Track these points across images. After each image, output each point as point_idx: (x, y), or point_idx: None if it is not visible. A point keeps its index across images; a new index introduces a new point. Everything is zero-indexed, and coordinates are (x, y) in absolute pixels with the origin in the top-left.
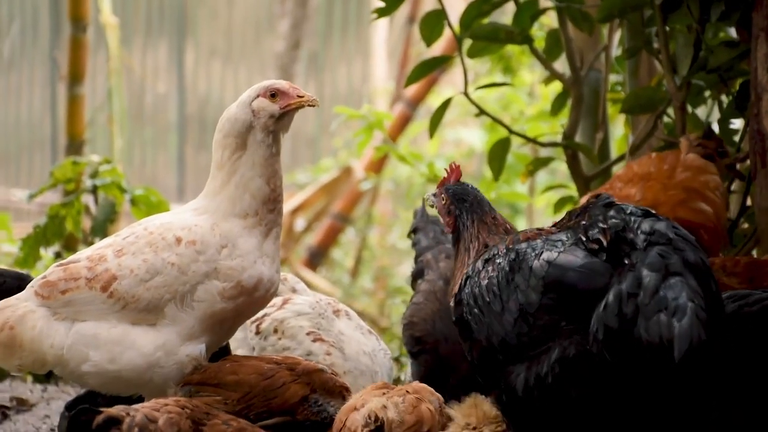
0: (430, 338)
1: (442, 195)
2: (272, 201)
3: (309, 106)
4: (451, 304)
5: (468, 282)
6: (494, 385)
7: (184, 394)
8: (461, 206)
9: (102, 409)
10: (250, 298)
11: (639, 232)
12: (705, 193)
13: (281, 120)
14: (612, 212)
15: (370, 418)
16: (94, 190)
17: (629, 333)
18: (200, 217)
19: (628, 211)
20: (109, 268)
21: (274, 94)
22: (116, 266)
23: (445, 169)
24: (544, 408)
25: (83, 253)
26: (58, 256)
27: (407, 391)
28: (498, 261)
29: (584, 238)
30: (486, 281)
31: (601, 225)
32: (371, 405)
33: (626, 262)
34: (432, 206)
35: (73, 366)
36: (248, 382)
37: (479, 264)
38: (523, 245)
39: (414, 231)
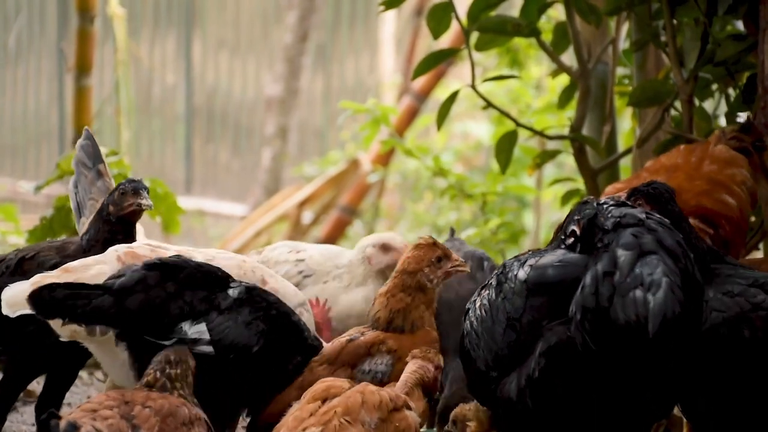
0: None
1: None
2: None
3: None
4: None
5: (468, 314)
6: (488, 403)
7: None
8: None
9: (61, 415)
10: None
11: (610, 216)
12: (730, 186)
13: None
14: (586, 206)
15: None
16: None
17: (606, 313)
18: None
19: (602, 202)
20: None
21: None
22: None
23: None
24: (537, 407)
25: (172, 247)
26: None
27: (335, 412)
28: (490, 282)
29: (563, 237)
30: (479, 303)
31: (576, 218)
32: None
33: (599, 246)
34: None
35: None
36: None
37: (476, 294)
38: (511, 260)
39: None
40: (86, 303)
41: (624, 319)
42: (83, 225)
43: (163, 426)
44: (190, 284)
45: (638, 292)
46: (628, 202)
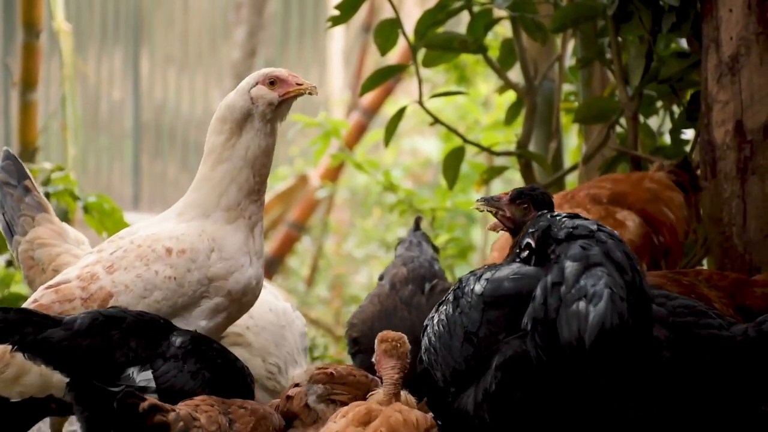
0: (366, 339)
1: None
2: (256, 192)
3: (308, 93)
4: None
5: (426, 330)
6: (444, 417)
7: (316, 391)
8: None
9: (147, 397)
10: (239, 304)
11: (563, 227)
12: (669, 205)
13: (279, 108)
14: (541, 219)
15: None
16: (46, 198)
17: (554, 325)
18: (186, 223)
19: (556, 215)
20: (103, 285)
21: (273, 82)
22: (110, 283)
23: None
24: (494, 421)
25: (70, 273)
26: (9, 264)
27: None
28: (448, 297)
29: (518, 250)
30: (437, 319)
31: (531, 231)
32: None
33: (552, 257)
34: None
35: None
36: (363, 383)
37: (434, 310)
38: (467, 274)
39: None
40: (37, 331)
41: (567, 331)
42: (17, 242)
43: (256, 426)
44: (134, 332)
45: (581, 304)
46: (581, 215)
